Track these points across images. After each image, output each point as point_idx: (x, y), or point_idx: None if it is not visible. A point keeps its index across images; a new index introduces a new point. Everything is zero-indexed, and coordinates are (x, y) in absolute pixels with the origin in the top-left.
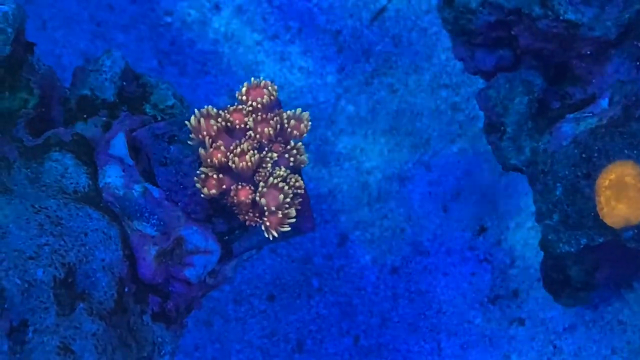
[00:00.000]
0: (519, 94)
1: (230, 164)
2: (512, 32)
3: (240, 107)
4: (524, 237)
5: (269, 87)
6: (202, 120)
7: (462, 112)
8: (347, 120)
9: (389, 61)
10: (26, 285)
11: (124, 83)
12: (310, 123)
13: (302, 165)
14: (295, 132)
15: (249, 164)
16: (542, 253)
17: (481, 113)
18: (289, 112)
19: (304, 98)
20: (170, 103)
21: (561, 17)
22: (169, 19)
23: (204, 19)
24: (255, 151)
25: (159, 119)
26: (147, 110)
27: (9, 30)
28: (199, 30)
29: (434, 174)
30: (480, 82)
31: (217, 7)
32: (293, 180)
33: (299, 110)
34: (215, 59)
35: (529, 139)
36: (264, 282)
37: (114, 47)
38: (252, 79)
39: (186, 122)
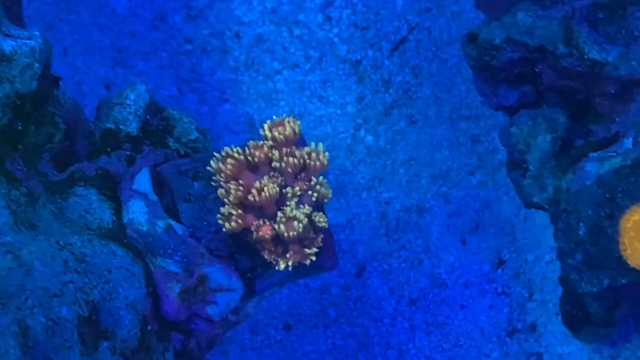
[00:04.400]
0: (542, 131)
1: (250, 197)
2: (536, 69)
3: (262, 143)
4: (543, 270)
5: (292, 123)
6: (223, 161)
7: (482, 144)
8: (366, 150)
9: (408, 92)
10: (50, 324)
11: (148, 117)
12: (327, 155)
13: (325, 200)
14: (316, 166)
15: (268, 195)
16: (560, 287)
17: (501, 145)
18: (308, 147)
19: (323, 127)
20: (193, 137)
21: (586, 56)
22: (189, 47)
23: (225, 47)
24: (275, 184)
25: (182, 152)
26: (170, 143)
27: (36, 65)
28: (219, 58)
29: (452, 205)
30: (499, 114)
31: (237, 36)
32: (317, 217)
33: (320, 145)
34: (234, 87)
35: (552, 177)
36: (281, 312)
37: (134, 74)
38: (274, 116)
39: (208, 167)
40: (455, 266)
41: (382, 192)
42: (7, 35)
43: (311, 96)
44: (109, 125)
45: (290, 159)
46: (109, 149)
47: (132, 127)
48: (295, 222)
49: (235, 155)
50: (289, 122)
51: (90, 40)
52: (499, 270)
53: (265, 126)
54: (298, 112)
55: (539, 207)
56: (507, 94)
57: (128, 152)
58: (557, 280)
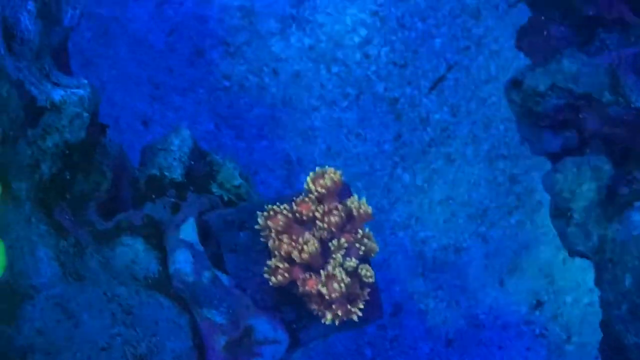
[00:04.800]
0: (587, 180)
1: (294, 255)
2: (580, 116)
3: (307, 197)
4: (582, 312)
5: (333, 175)
6: (270, 218)
7: (520, 184)
8: (403, 189)
9: (446, 130)
10: None
11: (192, 162)
12: (370, 209)
13: (372, 254)
14: (361, 217)
15: (308, 254)
16: (599, 330)
17: (539, 185)
18: (352, 198)
19: (361, 165)
20: (236, 183)
21: (632, 105)
22: (227, 83)
23: (262, 83)
24: (316, 240)
25: (226, 199)
26: (214, 189)
27: (85, 114)
28: (257, 94)
29: (490, 245)
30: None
31: (275, 72)
32: (364, 271)
33: (363, 199)
34: (271, 124)
35: (597, 226)
36: (316, 352)
37: (171, 109)
38: (318, 168)
39: (257, 226)
40: (493, 307)
41: (419, 231)
42: (56, 84)
43: (348, 133)
44: (153, 172)
45: (334, 212)
46: (153, 196)
47: (177, 174)
48: (336, 284)
49: (284, 212)
50: (329, 173)
51: (128, 76)
52: (537, 312)
53: (308, 179)
54: (335, 149)
55: (583, 255)
56: (550, 140)
57: (173, 199)
58: (597, 324)
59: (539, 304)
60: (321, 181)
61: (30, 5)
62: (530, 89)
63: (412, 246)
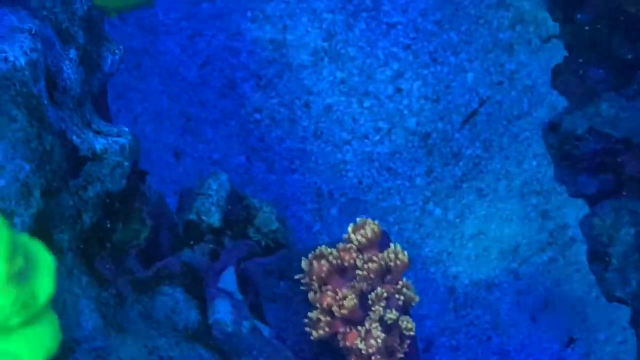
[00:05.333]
0: (626, 224)
1: (334, 309)
2: (618, 159)
3: (349, 246)
4: (614, 350)
5: (372, 225)
6: (314, 263)
7: (553, 220)
8: (435, 223)
9: (479, 165)
10: None
11: (229, 206)
12: (406, 256)
13: (412, 304)
14: (398, 266)
15: (347, 310)
16: None
17: (572, 221)
18: (391, 247)
19: (392, 199)
20: (274, 227)
21: None
22: (258, 116)
23: (294, 116)
24: (354, 295)
25: (263, 244)
26: (251, 234)
27: (126, 163)
28: (288, 127)
29: (522, 282)
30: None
31: (306, 105)
32: (404, 323)
33: (398, 246)
34: (303, 157)
35: (636, 271)
36: None
37: (202, 142)
38: (358, 219)
39: (298, 276)
40: (525, 344)
41: (450, 266)
42: (97, 132)
43: (380, 167)
44: (191, 217)
45: (373, 261)
46: (191, 242)
47: (215, 219)
48: (373, 340)
49: (330, 258)
50: (369, 224)
51: (160, 108)
52: (570, 349)
53: (349, 229)
54: (366, 183)
55: (622, 301)
56: (587, 183)
57: (211, 245)
58: None
59: (571, 341)
60: (361, 231)
61: (73, 54)
62: (567, 133)
63: (444, 281)
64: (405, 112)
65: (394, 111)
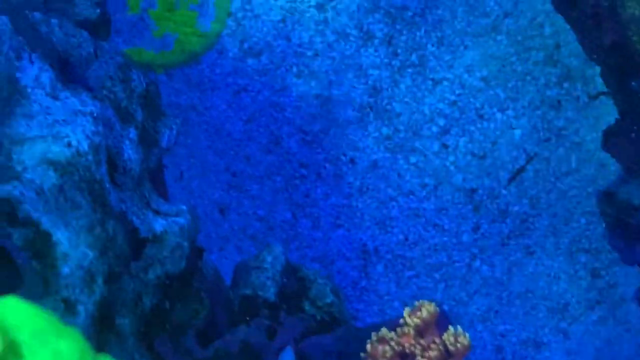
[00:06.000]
0: None
1: None
2: None
3: (407, 330)
4: None
5: (428, 307)
6: (376, 345)
7: (602, 279)
8: (482, 281)
9: (526, 222)
10: None
11: (284, 279)
12: (468, 336)
13: None
14: (458, 350)
15: None
16: None
17: (622, 280)
18: (450, 330)
19: (438, 256)
20: (329, 300)
21: None
22: (304, 171)
23: (339, 172)
24: None
25: (319, 318)
26: (306, 307)
27: (185, 244)
28: (334, 183)
29: (572, 341)
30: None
31: (352, 161)
32: None
33: (459, 329)
34: (348, 213)
35: None
36: None
37: (248, 198)
38: (417, 302)
39: (356, 351)
40: None
41: (498, 325)
42: (156, 212)
43: (426, 224)
44: (246, 292)
45: (432, 347)
46: (247, 317)
47: (270, 293)
48: None
49: (392, 343)
50: (425, 306)
51: (205, 164)
52: None
53: (405, 314)
54: (412, 240)
55: None
56: None
57: (267, 322)
58: None
59: None
60: (418, 314)
61: (132, 134)
62: (624, 202)
63: (491, 339)
64: (452, 168)
65: (440, 167)
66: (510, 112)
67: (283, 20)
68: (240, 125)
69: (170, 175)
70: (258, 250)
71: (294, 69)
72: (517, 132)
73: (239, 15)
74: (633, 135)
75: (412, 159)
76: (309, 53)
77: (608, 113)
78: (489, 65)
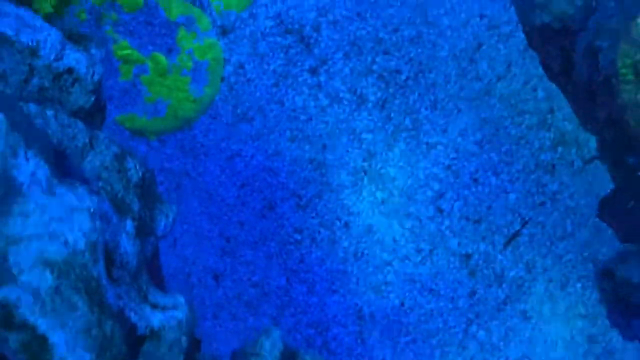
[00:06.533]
0: None
1: None
2: None
3: None
4: None
5: None
6: None
7: (599, 345)
8: (479, 346)
9: (522, 287)
10: None
11: None
12: None
13: None
14: None
15: None
16: None
17: (618, 345)
18: None
19: (434, 322)
20: None
21: None
22: (298, 236)
23: (334, 237)
24: None
25: None
26: None
27: (184, 338)
28: (328, 248)
29: None
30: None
31: (347, 226)
32: None
33: None
34: (343, 278)
35: None
36: None
37: (242, 263)
38: None
39: None
40: None
41: None
42: (154, 306)
43: (422, 289)
44: None
45: None
46: None
47: None
48: None
49: None
50: None
51: (199, 230)
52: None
53: None
54: (408, 305)
55: None
56: None
57: None
58: None
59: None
60: None
61: (129, 226)
62: (623, 280)
63: None
64: (447, 233)
65: (435, 232)
66: (504, 176)
67: (276, 85)
68: (234, 190)
69: (164, 244)
70: (252, 316)
71: (288, 133)
72: (512, 196)
73: (232, 79)
74: (629, 206)
75: (407, 224)
76: (303, 117)
77: (602, 177)
78: (483, 129)
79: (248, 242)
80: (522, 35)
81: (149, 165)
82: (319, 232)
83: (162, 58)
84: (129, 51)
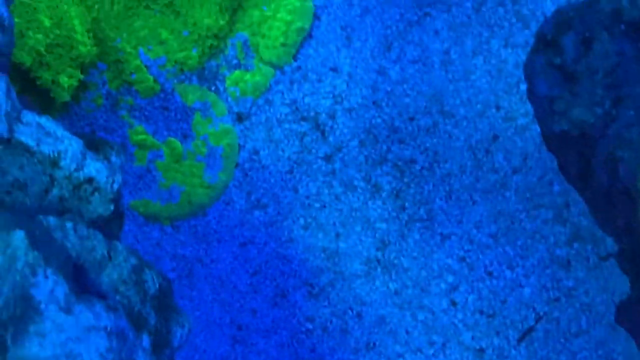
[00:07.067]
0: None
1: None
2: None
3: None
4: None
5: None
6: None
7: None
8: None
9: None
10: None
11: None
12: None
13: None
14: None
15: None
16: None
17: None
18: None
19: None
20: None
21: None
22: (310, 325)
23: (346, 327)
24: None
25: None
26: None
27: None
28: (340, 338)
29: None
30: None
31: (359, 316)
32: None
33: None
34: None
35: None
36: None
37: (254, 352)
38: None
39: None
40: None
41: None
42: None
43: None
44: None
45: None
46: None
47: None
48: None
49: None
50: None
51: (211, 317)
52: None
53: None
54: None
55: None
56: None
57: None
58: None
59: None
60: None
61: (146, 342)
62: None
63: None
64: (460, 326)
65: (448, 325)
66: (519, 270)
67: (290, 171)
68: (246, 277)
69: None
70: None
71: (301, 221)
72: (527, 290)
73: (247, 166)
74: None
75: (420, 316)
76: (317, 205)
77: (619, 275)
78: (498, 221)
79: (260, 330)
80: (539, 129)
81: (164, 272)
82: (331, 321)
83: (177, 144)
84: (144, 136)
